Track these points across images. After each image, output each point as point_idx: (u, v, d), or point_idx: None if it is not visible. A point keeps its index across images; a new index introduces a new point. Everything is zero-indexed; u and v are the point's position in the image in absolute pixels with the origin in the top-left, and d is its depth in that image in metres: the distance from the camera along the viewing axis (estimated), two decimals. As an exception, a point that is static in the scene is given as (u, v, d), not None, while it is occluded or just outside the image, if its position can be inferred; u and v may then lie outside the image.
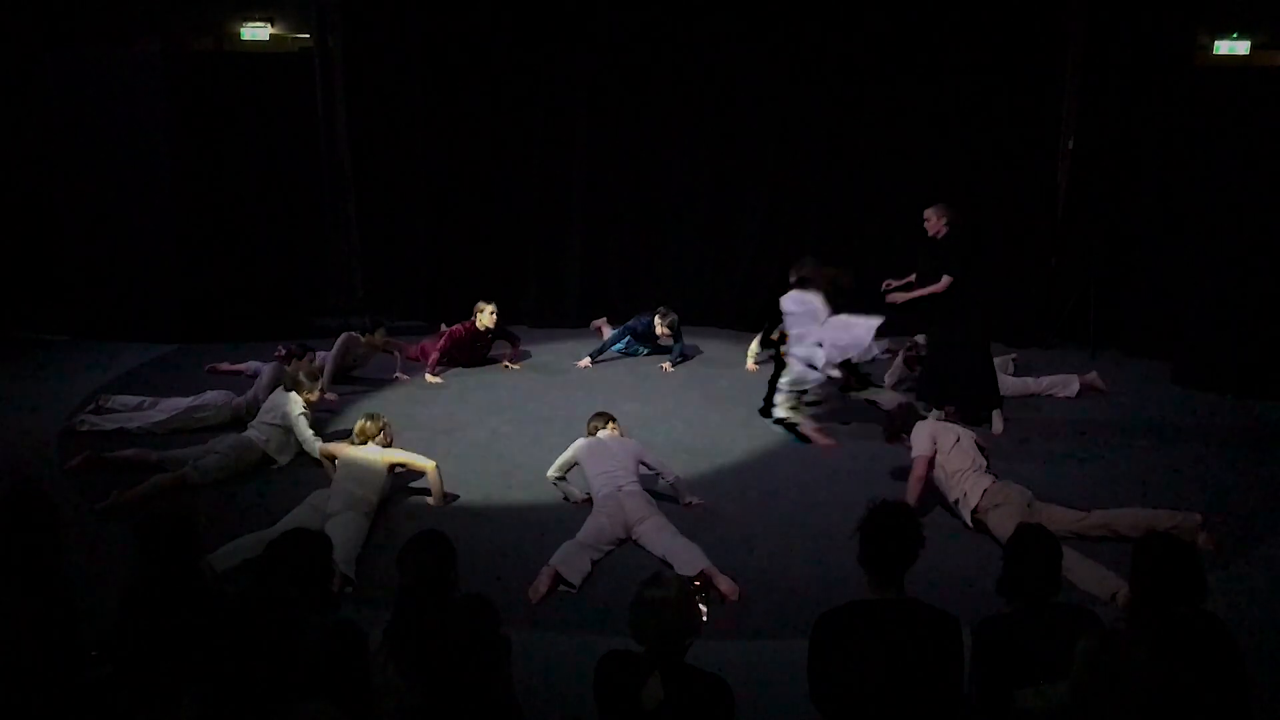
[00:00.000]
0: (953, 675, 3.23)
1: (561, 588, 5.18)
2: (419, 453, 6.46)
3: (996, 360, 8.61)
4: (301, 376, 7.16)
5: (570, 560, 5.30)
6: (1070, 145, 9.83)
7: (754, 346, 9.26)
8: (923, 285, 7.50)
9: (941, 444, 6.02)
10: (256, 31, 10.74)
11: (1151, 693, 2.66)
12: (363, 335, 8.75)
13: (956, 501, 5.88)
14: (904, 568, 3.33)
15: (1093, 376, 8.49)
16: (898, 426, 6.32)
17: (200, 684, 2.77)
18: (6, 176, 10.30)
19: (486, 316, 9.17)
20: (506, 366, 9.28)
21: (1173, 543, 3.30)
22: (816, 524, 5.94)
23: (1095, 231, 9.69)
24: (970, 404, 7.55)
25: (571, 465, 6.17)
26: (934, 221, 7.42)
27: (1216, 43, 9.66)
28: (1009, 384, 8.40)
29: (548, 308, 10.97)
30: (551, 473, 6.24)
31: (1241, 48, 9.68)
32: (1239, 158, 8.30)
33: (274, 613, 3.12)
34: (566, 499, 6.28)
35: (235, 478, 6.62)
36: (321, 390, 7.74)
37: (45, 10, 10.12)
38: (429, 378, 8.85)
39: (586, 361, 9.29)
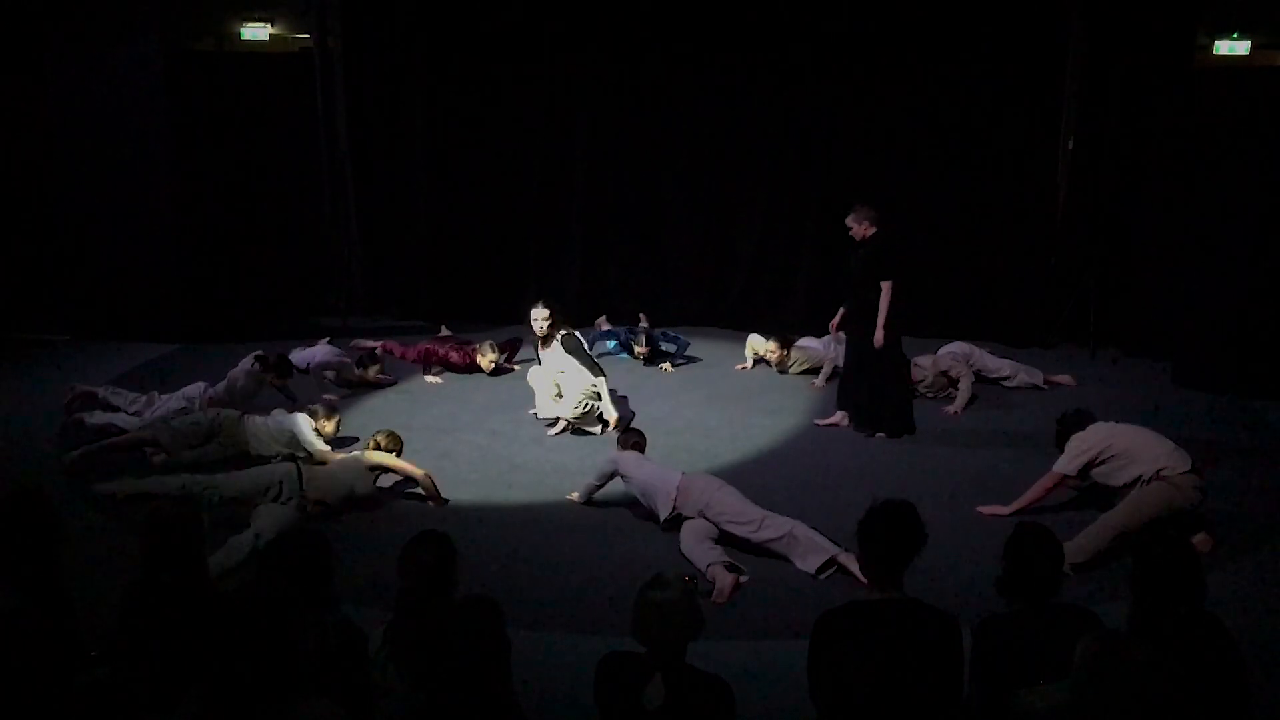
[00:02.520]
0: (953, 675, 3.23)
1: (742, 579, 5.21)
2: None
3: (956, 346, 8.71)
4: (318, 407, 7.07)
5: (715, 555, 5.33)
6: (1070, 145, 9.83)
7: (749, 349, 9.32)
8: (854, 290, 7.35)
9: (1121, 441, 5.67)
10: (256, 31, 10.73)
11: (1151, 693, 2.66)
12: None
13: (1140, 477, 5.50)
14: (904, 566, 3.33)
15: (1065, 377, 8.75)
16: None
17: (201, 684, 2.77)
18: (7, 176, 10.30)
19: (486, 361, 9.01)
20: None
21: (1172, 544, 3.30)
22: (816, 524, 5.93)
23: (1095, 231, 9.69)
24: (865, 414, 7.51)
25: (611, 476, 6.09)
26: (857, 227, 7.29)
27: (1216, 43, 9.65)
28: (1006, 368, 8.63)
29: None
30: (595, 481, 6.17)
31: (1241, 48, 9.67)
32: (1239, 158, 8.30)
33: (274, 612, 3.12)
34: (580, 499, 6.25)
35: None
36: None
37: (45, 10, 10.12)
38: (428, 378, 8.84)
39: None
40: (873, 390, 7.43)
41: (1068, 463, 5.75)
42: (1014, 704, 3.05)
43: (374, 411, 8.13)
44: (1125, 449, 5.62)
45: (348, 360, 8.80)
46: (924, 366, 8.34)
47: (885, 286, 7.14)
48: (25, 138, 10.21)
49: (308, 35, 10.83)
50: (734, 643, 4.64)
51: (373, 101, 10.84)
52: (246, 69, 10.35)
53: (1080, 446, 5.73)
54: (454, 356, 9.10)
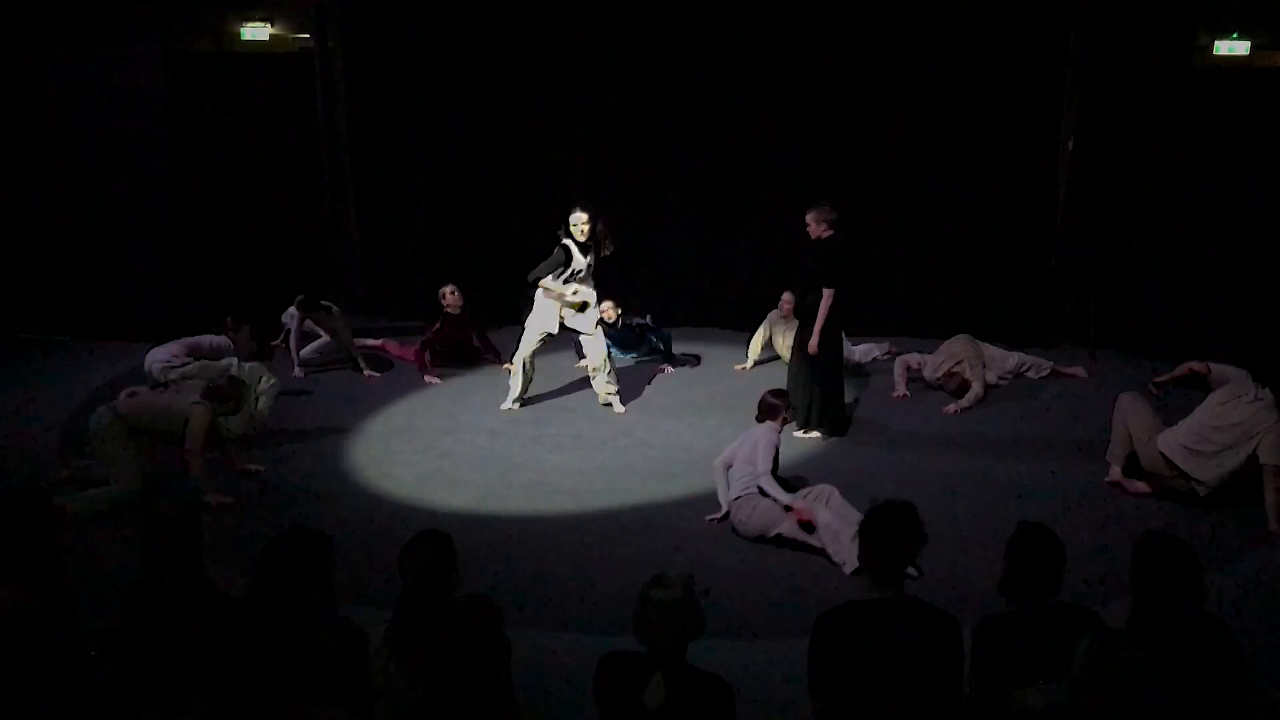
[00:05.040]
0: (953, 675, 3.23)
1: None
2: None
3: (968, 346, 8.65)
4: (223, 384, 6.55)
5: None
6: (1070, 145, 9.83)
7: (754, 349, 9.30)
8: (802, 288, 7.47)
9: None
10: (256, 31, 10.72)
11: (1151, 693, 2.66)
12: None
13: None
14: (904, 566, 3.33)
15: (1076, 369, 8.89)
16: None
17: (210, 685, 2.77)
18: (6, 177, 10.30)
19: (451, 296, 9.14)
20: (506, 368, 9.26)
21: (1172, 543, 3.30)
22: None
23: (1095, 231, 9.69)
24: (802, 413, 7.51)
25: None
26: (814, 226, 7.35)
27: (1216, 43, 9.63)
28: (1012, 360, 8.70)
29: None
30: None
31: (1241, 48, 9.66)
32: (1239, 158, 8.30)
33: (280, 615, 3.12)
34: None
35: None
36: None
37: (45, 10, 10.11)
38: (427, 379, 8.84)
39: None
40: (806, 389, 7.47)
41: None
42: (1014, 704, 3.06)
43: (375, 411, 8.13)
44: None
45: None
46: (957, 374, 8.29)
47: (827, 294, 7.20)
48: (25, 138, 10.20)
49: (308, 35, 10.83)
50: (734, 643, 4.65)
51: (373, 101, 10.84)
52: (246, 69, 10.35)
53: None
54: (443, 330, 9.13)
